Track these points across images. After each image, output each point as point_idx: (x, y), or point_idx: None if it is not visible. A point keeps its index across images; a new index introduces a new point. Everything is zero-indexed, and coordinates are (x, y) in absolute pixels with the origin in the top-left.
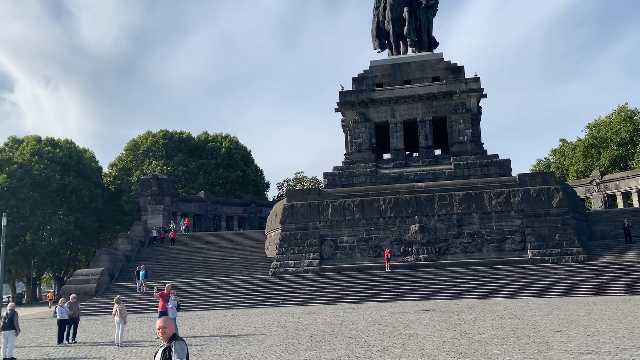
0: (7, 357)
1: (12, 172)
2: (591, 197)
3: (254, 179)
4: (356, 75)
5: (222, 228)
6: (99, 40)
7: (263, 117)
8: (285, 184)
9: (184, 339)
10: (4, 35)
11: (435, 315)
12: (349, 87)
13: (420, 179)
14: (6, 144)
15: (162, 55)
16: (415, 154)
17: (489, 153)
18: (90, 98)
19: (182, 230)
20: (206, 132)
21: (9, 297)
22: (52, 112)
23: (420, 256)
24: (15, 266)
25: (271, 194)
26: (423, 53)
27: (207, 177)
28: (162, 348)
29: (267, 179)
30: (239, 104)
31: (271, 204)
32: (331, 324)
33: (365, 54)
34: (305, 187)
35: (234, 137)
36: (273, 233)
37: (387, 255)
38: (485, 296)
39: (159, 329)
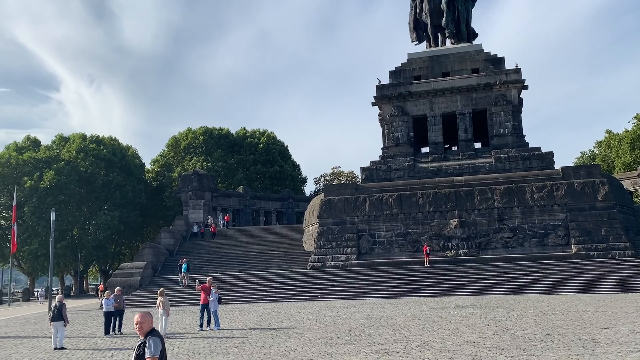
0: (58, 347)
1: (59, 169)
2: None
3: (291, 174)
4: (393, 69)
5: (261, 223)
6: (140, 39)
7: (300, 113)
8: (322, 178)
9: (160, 335)
10: (50, 36)
11: (476, 310)
12: (386, 80)
13: (460, 172)
14: (54, 142)
15: (201, 53)
16: (454, 148)
17: (530, 146)
18: (132, 96)
19: (221, 225)
20: (244, 128)
21: (58, 289)
22: (96, 110)
23: (460, 251)
24: (64, 259)
25: (308, 188)
26: (462, 44)
27: (246, 172)
28: (138, 343)
29: (304, 174)
30: (276, 100)
31: (308, 199)
32: (370, 318)
33: (402, 47)
34: (342, 181)
35: (271, 132)
36: (311, 228)
37: (426, 250)
38: (528, 292)
39: (136, 324)
